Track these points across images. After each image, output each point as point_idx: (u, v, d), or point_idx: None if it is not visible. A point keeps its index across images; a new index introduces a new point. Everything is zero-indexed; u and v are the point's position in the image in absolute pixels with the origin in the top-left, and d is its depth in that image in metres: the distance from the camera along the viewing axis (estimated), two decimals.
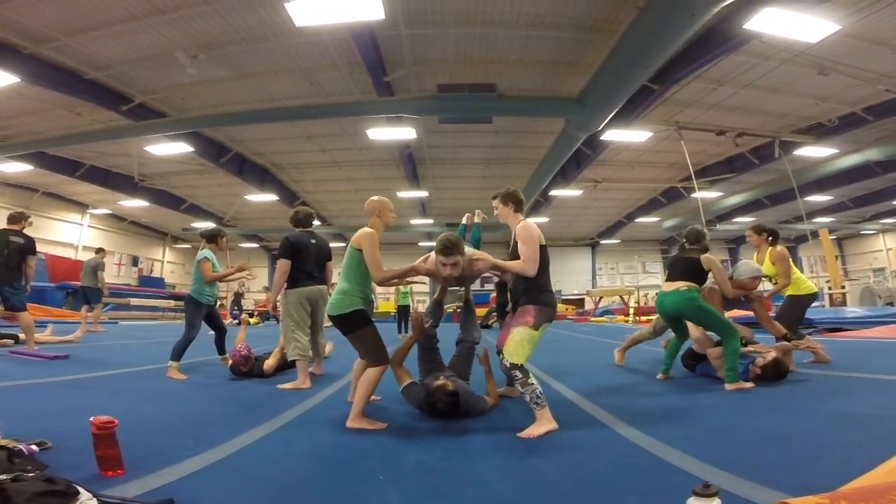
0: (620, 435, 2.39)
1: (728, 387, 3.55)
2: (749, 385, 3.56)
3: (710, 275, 3.91)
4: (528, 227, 2.68)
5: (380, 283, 2.75)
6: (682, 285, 3.81)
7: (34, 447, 1.93)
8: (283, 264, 4.07)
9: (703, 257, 3.92)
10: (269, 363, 4.38)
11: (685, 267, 3.93)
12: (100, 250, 10.06)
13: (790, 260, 4.57)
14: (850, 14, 7.48)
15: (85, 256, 15.42)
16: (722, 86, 10.27)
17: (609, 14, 7.84)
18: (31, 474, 1.55)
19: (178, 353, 4.39)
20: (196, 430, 2.53)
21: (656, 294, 4.09)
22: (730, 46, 8.15)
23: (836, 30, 7.30)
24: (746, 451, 2.07)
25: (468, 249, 2.83)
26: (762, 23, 6.88)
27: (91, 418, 1.82)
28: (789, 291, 4.55)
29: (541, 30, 8.32)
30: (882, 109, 10.98)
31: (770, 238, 4.63)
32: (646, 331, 5.26)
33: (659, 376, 4.13)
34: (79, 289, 10.22)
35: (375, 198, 2.96)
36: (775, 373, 3.76)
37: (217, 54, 8.97)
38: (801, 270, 4.90)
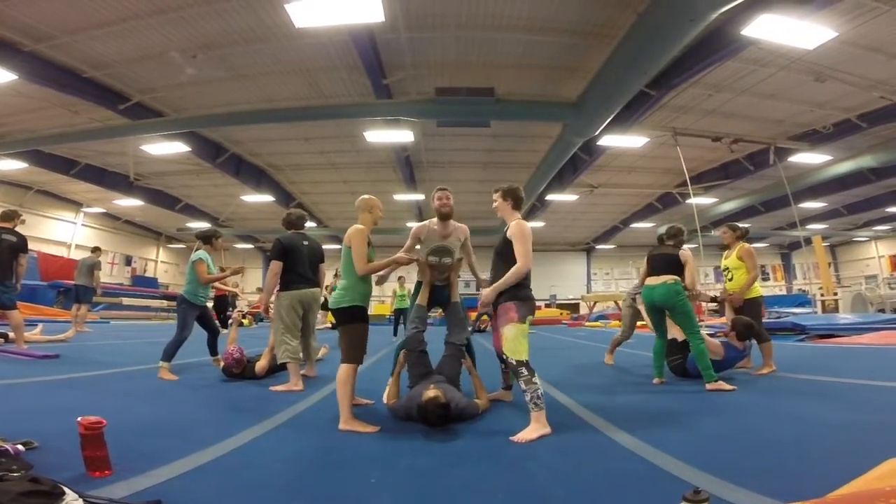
0: (613, 440, 2.39)
1: (708, 386, 3.70)
2: (729, 388, 3.68)
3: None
4: (522, 226, 2.76)
5: (363, 275, 2.82)
6: (668, 279, 4.08)
7: (20, 447, 1.91)
8: (276, 266, 4.07)
9: (682, 253, 4.25)
10: (261, 364, 4.36)
11: (667, 262, 4.21)
12: (96, 249, 9.98)
13: (755, 257, 4.87)
14: (847, 21, 7.54)
15: (78, 255, 15.30)
16: (719, 92, 10.33)
17: (608, 19, 7.87)
18: (16, 474, 1.53)
19: (169, 354, 4.36)
20: (186, 432, 2.51)
21: (643, 287, 4.35)
22: (727, 52, 8.20)
23: (832, 36, 7.34)
24: (737, 457, 2.07)
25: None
26: (760, 29, 6.91)
27: (79, 418, 1.80)
28: (749, 295, 4.70)
29: (539, 34, 8.35)
30: (876, 116, 11.07)
31: (739, 237, 4.92)
32: (620, 334, 5.75)
33: (655, 381, 4.15)
34: (72, 287, 10.12)
35: (365, 195, 3.09)
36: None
37: (216, 54, 8.96)
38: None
